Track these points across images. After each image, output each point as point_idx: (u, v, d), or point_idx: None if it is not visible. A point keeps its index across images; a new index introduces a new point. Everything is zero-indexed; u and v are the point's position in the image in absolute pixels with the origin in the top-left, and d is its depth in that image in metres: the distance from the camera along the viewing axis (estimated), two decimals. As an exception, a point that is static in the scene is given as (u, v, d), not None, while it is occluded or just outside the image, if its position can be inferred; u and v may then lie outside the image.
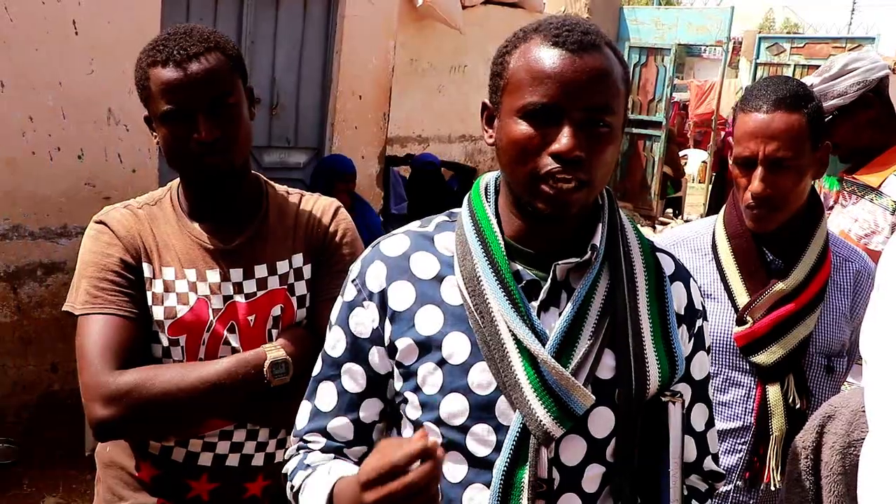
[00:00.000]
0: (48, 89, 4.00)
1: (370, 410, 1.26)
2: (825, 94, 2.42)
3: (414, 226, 1.29)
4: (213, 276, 1.59)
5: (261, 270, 1.62)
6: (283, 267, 1.64)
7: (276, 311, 1.61)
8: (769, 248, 1.81)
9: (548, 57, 1.10)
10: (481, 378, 1.14)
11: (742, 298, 1.79)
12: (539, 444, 1.12)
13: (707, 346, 1.31)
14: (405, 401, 1.21)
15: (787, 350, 1.75)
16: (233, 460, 1.62)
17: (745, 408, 1.80)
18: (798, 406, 1.75)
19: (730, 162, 1.83)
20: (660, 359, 1.17)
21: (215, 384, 1.48)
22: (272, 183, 1.74)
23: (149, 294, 1.57)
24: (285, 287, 1.63)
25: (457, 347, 1.16)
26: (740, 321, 1.78)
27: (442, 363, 1.16)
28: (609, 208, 1.23)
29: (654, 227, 9.69)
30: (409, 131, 7.20)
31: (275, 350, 1.53)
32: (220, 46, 1.54)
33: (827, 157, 1.81)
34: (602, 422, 1.15)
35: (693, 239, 1.91)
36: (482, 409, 1.14)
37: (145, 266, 1.58)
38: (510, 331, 1.13)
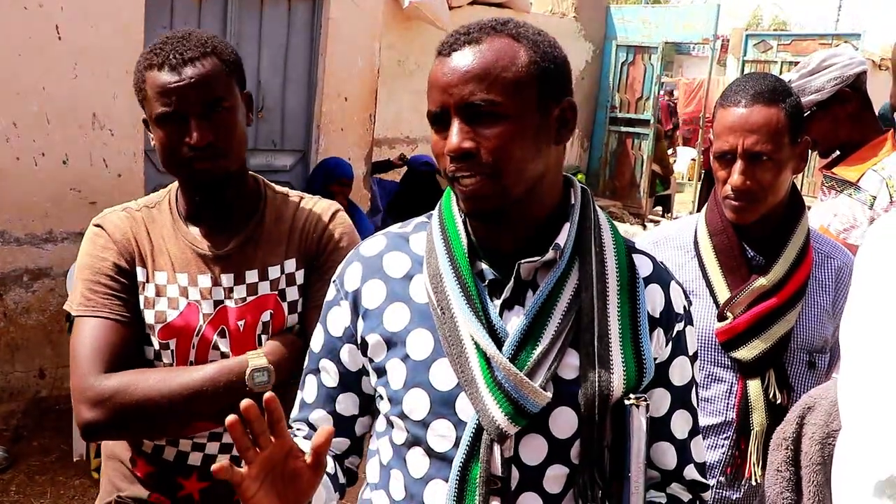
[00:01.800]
0: (32, 95, 4.00)
1: (346, 404, 1.31)
2: (803, 90, 2.44)
3: (394, 227, 1.32)
4: (205, 280, 1.60)
5: (251, 276, 1.62)
6: (274, 272, 1.63)
7: (266, 316, 1.61)
8: (750, 244, 1.82)
9: (434, 68, 1.16)
10: (443, 374, 1.17)
11: (723, 294, 1.80)
12: (492, 441, 1.13)
13: (692, 352, 1.28)
14: (380, 396, 1.25)
15: (767, 345, 1.75)
16: (222, 460, 1.61)
17: (727, 403, 1.81)
18: (779, 401, 1.76)
19: (711, 157, 1.84)
20: (626, 361, 1.16)
21: (197, 391, 1.49)
22: (272, 185, 1.74)
23: (141, 298, 1.59)
24: (276, 292, 1.63)
25: (420, 344, 1.19)
26: (721, 317, 1.79)
27: (405, 359, 1.19)
28: (582, 206, 1.23)
29: (644, 225, 9.71)
30: (397, 132, 7.21)
31: (257, 357, 1.54)
32: (216, 51, 1.54)
33: (806, 152, 1.82)
34: (564, 422, 1.15)
35: (676, 236, 1.92)
36: (443, 405, 1.16)
37: (139, 270, 1.60)
38: (467, 328, 1.15)
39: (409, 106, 7.22)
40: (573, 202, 1.23)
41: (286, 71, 5.17)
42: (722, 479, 1.82)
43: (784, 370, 1.79)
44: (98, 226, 1.64)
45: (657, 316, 1.22)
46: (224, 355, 1.59)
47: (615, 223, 1.30)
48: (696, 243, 1.87)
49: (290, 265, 1.65)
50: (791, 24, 30.48)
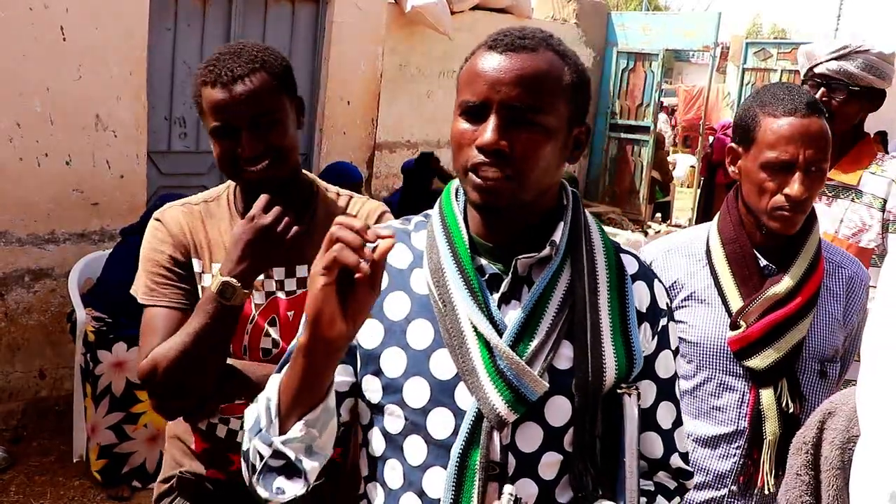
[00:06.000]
0: (36, 95, 4.00)
1: (337, 378, 1.25)
2: (868, 49, 2.42)
3: (396, 222, 1.38)
4: None
5: (301, 270, 1.72)
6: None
7: None
8: (763, 253, 1.82)
9: (481, 60, 1.18)
10: (442, 364, 1.21)
11: (736, 303, 1.80)
12: (492, 428, 1.17)
13: (674, 346, 1.34)
14: (365, 387, 1.26)
15: (780, 354, 1.75)
16: None
17: (739, 412, 1.81)
18: (791, 410, 1.76)
19: (729, 167, 1.84)
20: (617, 352, 1.22)
21: (202, 339, 1.58)
22: (323, 184, 1.84)
23: (199, 287, 1.71)
24: None
25: (420, 334, 1.23)
26: (734, 326, 1.79)
27: (405, 348, 1.23)
28: (573, 208, 1.28)
29: (646, 232, 9.71)
30: (398, 136, 7.21)
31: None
32: (265, 65, 1.65)
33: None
34: (558, 410, 1.20)
35: (688, 245, 1.92)
36: (442, 394, 1.20)
37: (195, 261, 1.72)
38: (469, 320, 1.19)
39: (411, 110, 7.22)
40: (565, 203, 1.28)
41: (289, 74, 5.17)
42: (734, 488, 1.82)
43: (796, 379, 1.79)
44: (158, 220, 1.76)
45: (644, 311, 1.29)
46: (275, 342, 1.72)
47: (604, 227, 1.34)
48: (708, 252, 1.87)
49: None
50: (791, 31, 30.56)
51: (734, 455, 1.82)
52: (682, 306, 1.86)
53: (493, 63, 1.16)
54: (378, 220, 1.78)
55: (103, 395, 3.52)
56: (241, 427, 1.62)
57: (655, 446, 1.31)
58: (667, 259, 1.90)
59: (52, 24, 3.99)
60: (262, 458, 1.14)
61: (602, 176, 10.43)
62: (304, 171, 1.81)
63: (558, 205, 1.28)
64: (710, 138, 11.40)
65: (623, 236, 7.54)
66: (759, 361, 1.76)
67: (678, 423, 1.34)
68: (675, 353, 1.34)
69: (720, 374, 1.82)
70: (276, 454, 1.13)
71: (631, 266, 1.31)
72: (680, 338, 1.85)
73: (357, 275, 1.01)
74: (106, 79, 4.20)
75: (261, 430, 1.16)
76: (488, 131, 1.14)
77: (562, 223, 1.25)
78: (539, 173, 1.17)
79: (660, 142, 10.59)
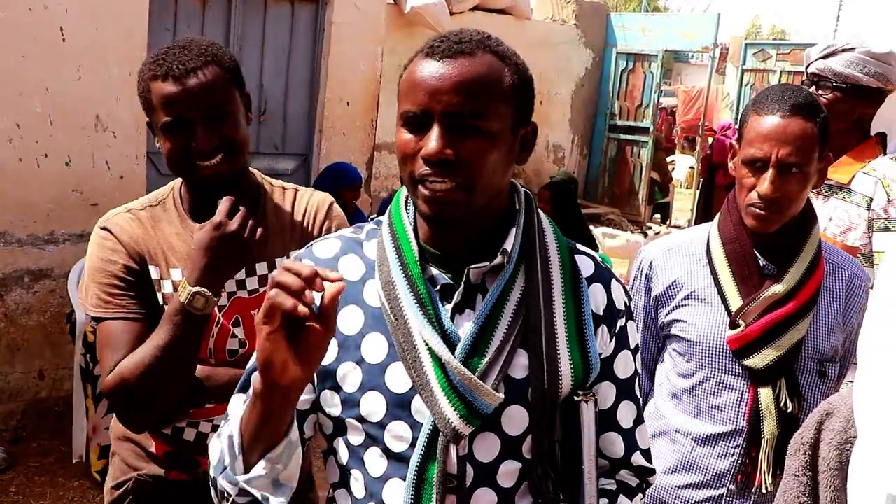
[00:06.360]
0: (35, 96, 4.00)
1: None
2: (866, 49, 2.41)
3: (347, 231, 1.35)
4: None
5: (261, 268, 1.70)
6: (281, 263, 1.67)
7: None
8: (762, 253, 1.82)
9: (419, 68, 1.16)
10: (398, 378, 1.19)
11: (735, 302, 1.80)
12: (448, 442, 1.16)
13: (634, 345, 1.33)
14: (324, 402, 1.25)
15: (779, 353, 1.76)
16: None
17: (738, 412, 1.81)
18: (790, 410, 1.76)
19: (730, 163, 1.86)
20: (573, 358, 1.21)
21: (166, 348, 1.54)
22: (268, 179, 1.81)
23: (159, 295, 1.66)
24: None
25: (375, 348, 1.21)
26: (733, 325, 1.79)
27: (360, 362, 1.21)
28: (526, 212, 1.26)
29: (645, 233, 9.72)
30: (398, 137, 7.22)
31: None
32: (216, 59, 1.61)
33: (827, 168, 1.83)
34: (515, 420, 1.19)
35: (688, 244, 1.93)
36: (399, 407, 1.19)
37: (152, 268, 1.66)
38: (421, 334, 1.17)
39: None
40: (518, 207, 1.27)
41: (288, 74, 5.18)
42: (732, 487, 1.82)
43: (795, 379, 1.79)
44: (105, 229, 1.69)
45: (601, 313, 1.27)
46: (241, 342, 1.69)
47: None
48: (708, 251, 1.87)
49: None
50: (790, 33, 30.59)
51: (732, 454, 1.82)
52: (682, 305, 1.86)
53: (432, 71, 1.14)
54: (328, 213, 1.77)
55: (102, 396, 3.52)
56: (211, 430, 1.66)
57: (617, 446, 1.30)
58: (667, 258, 1.91)
59: (52, 25, 4.00)
60: (229, 495, 1.14)
61: (601, 177, 10.44)
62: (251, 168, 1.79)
63: (510, 208, 1.27)
64: (710, 139, 11.41)
65: (622, 237, 7.53)
66: (758, 360, 1.77)
67: (639, 421, 1.34)
68: (635, 351, 1.33)
69: (719, 373, 1.82)
70: (243, 492, 1.13)
71: (586, 268, 1.29)
72: (679, 336, 1.86)
73: (301, 316, 0.98)
74: (105, 79, 4.20)
75: (225, 468, 1.15)
76: (432, 141, 1.12)
77: (514, 229, 1.23)
78: (488, 178, 1.15)
79: (660, 142, 10.61)
